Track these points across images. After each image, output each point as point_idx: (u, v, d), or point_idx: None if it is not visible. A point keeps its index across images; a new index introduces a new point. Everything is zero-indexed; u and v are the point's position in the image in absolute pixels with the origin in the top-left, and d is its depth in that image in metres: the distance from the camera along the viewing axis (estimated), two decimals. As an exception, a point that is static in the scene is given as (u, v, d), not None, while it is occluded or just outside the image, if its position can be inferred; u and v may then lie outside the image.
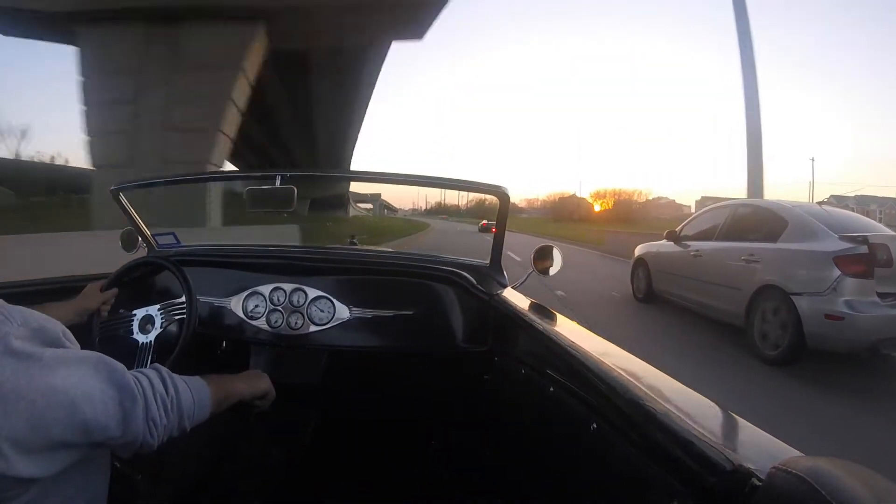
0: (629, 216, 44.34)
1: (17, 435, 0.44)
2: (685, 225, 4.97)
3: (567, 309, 4.73)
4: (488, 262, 1.36)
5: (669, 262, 4.85)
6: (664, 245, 5.06)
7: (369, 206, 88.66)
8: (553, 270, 1.31)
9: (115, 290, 1.07)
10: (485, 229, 27.94)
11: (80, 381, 0.49)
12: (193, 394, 0.63)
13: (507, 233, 1.29)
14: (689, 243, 4.61)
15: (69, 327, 0.56)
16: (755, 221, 3.88)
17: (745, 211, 4.15)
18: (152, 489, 0.89)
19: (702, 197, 57.20)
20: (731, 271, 3.74)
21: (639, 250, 5.64)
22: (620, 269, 6.88)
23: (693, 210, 57.04)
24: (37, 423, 0.45)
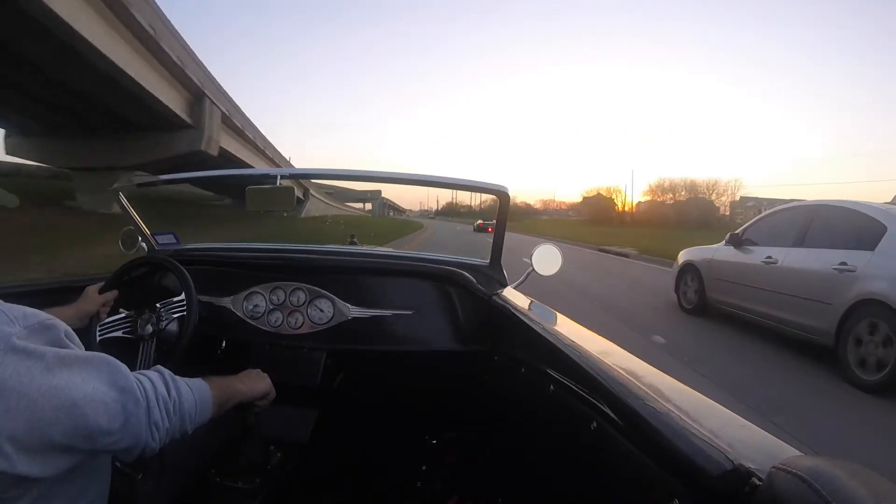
0: (662, 219, 39.67)
1: (18, 434, 0.44)
2: (749, 227, 4.34)
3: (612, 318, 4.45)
4: (488, 261, 1.35)
5: (731, 269, 4.24)
6: (721, 250, 4.46)
7: (367, 205, 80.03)
8: (553, 270, 1.31)
9: (114, 293, 1.09)
10: (481, 229, 26.34)
11: (82, 383, 0.49)
12: (196, 396, 0.63)
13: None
14: (753, 248, 4.04)
15: None
16: (843, 225, 3.36)
17: (829, 213, 3.56)
18: (153, 489, 0.90)
19: (740, 197, 49.42)
20: (817, 282, 3.24)
21: (685, 255, 5.07)
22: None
23: (725, 212, 49.23)
24: (38, 423, 0.45)
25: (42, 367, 0.46)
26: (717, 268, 4.46)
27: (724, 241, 4.49)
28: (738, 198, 50.01)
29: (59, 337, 0.51)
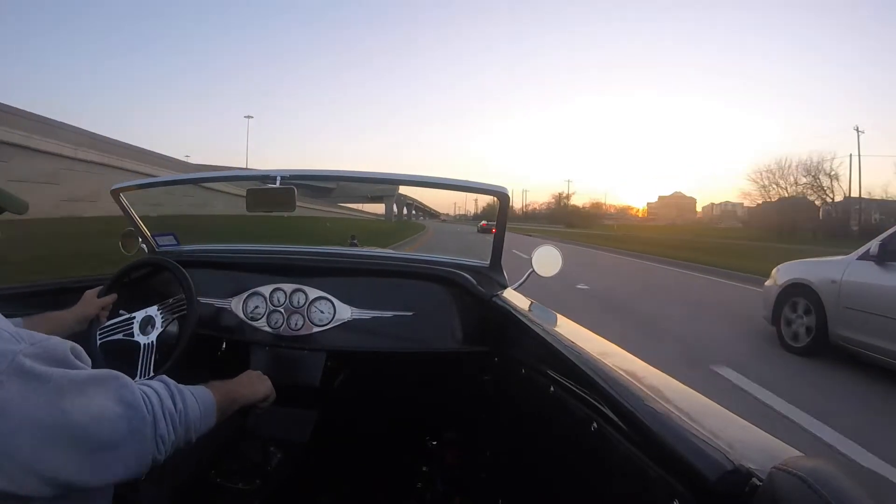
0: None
1: (24, 455, 0.44)
2: None
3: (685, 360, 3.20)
4: (488, 262, 1.35)
5: (876, 295, 2.94)
6: (855, 267, 3.18)
7: (372, 206, 65.09)
8: (553, 271, 1.32)
9: (113, 296, 1.09)
10: (484, 230, 25.61)
11: (89, 402, 0.48)
12: (200, 406, 0.63)
13: None
14: None
15: (70, 335, 0.57)
16: None
17: None
18: (155, 490, 0.90)
19: (844, 197, 31.77)
20: None
21: (791, 273, 3.63)
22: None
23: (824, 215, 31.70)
24: (43, 445, 0.45)
25: (48, 388, 0.46)
26: (849, 293, 3.13)
27: (856, 255, 3.26)
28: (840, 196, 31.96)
29: (65, 356, 0.50)
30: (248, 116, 53.52)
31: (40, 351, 0.48)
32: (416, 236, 17.92)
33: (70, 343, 0.52)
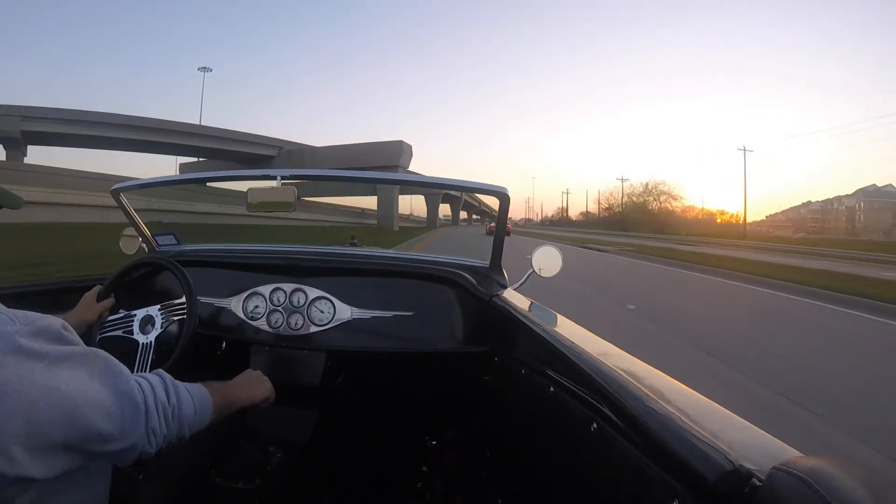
0: None
1: (20, 436, 0.45)
2: None
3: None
4: (488, 263, 1.36)
5: None
6: None
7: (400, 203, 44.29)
8: (553, 271, 1.33)
9: (111, 300, 1.08)
10: (492, 232, 25.74)
11: (83, 385, 0.49)
12: (195, 403, 0.64)
13: None
14: None
15: None
16: None
17: None
18: (153, 489, 0.90)
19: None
20: None
21: None
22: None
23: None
24: (38, 425, 0.45)
25: (43, 367, 0.47)
26: None
27: None
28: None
29: (59, 334, 0.51)
30: (205, 69, 43.93)
31: (36, 330, 0.48)
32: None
33: (62, 321, 0.53)
